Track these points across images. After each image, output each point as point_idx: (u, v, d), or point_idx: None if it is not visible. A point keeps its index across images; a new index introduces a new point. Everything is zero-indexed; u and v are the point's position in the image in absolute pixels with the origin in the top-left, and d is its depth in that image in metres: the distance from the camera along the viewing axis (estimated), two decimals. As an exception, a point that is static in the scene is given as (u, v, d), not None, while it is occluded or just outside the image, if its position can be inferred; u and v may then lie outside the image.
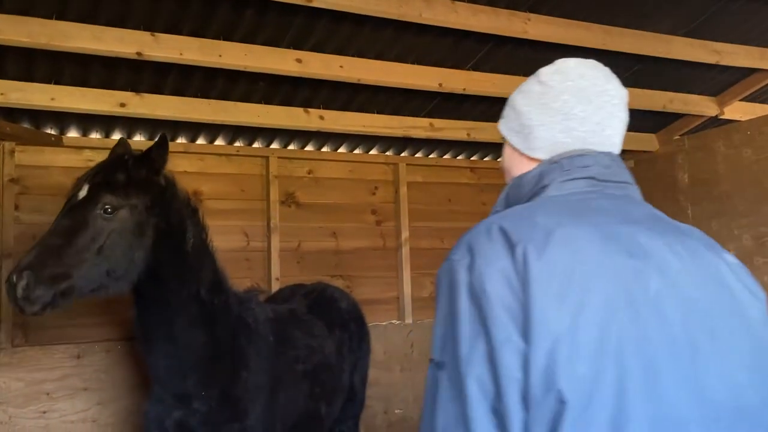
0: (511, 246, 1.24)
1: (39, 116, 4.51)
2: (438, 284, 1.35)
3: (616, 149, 1.54)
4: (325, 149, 5.61)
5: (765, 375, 1.28)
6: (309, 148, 5.55)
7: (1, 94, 3.93)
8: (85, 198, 2.79)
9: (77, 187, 2.87)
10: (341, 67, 4.20)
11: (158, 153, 2.96)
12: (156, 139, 3.01)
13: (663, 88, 5.18)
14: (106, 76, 4.15)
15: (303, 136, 5.30)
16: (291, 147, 5.48)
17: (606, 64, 5.06)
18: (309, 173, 5.52)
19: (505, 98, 5.31)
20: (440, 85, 4.49)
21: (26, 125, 4.58)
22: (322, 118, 4.81)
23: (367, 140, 5.54)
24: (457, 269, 1.29)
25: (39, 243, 2.65)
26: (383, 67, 4.32)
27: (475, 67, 4.59)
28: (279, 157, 5.36)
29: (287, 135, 5.26)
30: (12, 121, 4.43)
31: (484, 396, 1.19)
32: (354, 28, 3.99)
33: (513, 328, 1.19)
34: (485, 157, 6.20)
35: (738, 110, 5.61)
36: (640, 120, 5.72)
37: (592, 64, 1.58)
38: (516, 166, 1.58)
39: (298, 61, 4.09)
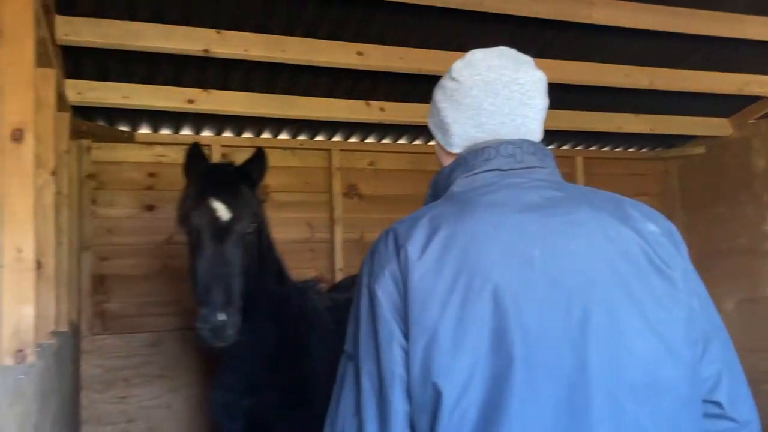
0: (397, 248, 1.33)
1: (113, 114, 4.70)
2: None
3: (534, 136, 1.53)
4: (386, 141, 5.64)
5: (656, 350, 1.27)
6: (370, 140, 5.59)
7: (78, 93, 4.11)
8: (230, 220, 2.83)
9: (202, 204, 2.84)
10: (401, 58, 4.20)
11: (262, 167, 3.09)
12: (255, 153, 3.10)
13: (738, 69, 4.96)
14: (174, 74, 4.29)
15: (364, 128, 5.34)
16: (353, 139, 5.53)
17: (674, 47, 4.89)
18: (370, 165, 5.56)
19: (566, 85, 5.20)
20: (502, 73, 4.43)
21: (101, 123, 4.78)
22: (382, 110, 4.83)
23: (427, 131, 5.50)
24: (362, 272, 1.40)
25: (211, 274, 2.69)
26: (444, 57, 4.30)
27: (540, 54, 4.50)
28: (341, 150, 5.43)
29: (349, 127, 5.31)
30: (88, 119, 4.64)
31: (373, 390, 1.29)
32: (414, 19, 3.99)
33: (397, 327, 1.29)
34: (550, 144, 6.10)
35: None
36: (711, 104, 5.51)
37: (499, 52, 1.55)
38: (442, 160, 1.61)
39: (359, 53, 4.11)
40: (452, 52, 4.32)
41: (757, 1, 4.23)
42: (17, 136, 2.19)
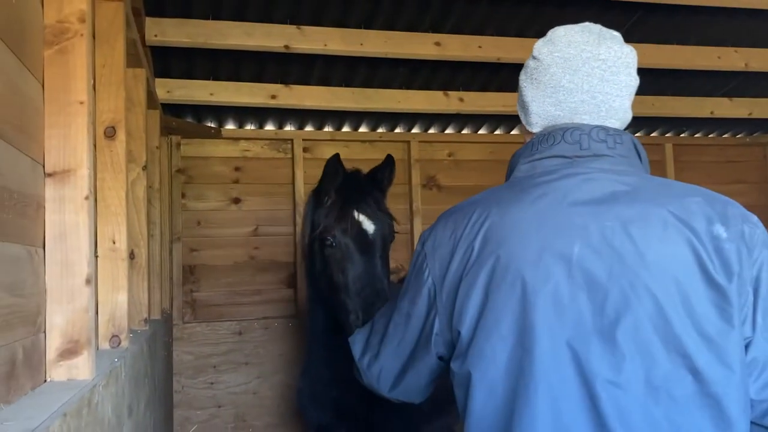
0: (453, 230, 1.43)
1: (200, 111, 4.89)
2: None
3: (617, 115, 1.46)
4: (465, 131, 5.60)
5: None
6: (449, 131, 5.56)
7: (167, 91, 4.29)
8: (381, 233, 2.85)
9: (348, 217, 2.83)
10: (480, 47, 4.15)
11: (392, 173, 3.10)
12: (387, 159, 3.15)
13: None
14: (257, 70, 4.42)
15: (443, 119, 5.32)
16: (431, 131, 5.52)
17: (761, 26, 4.53)
18: (449, 156, 5.54)
19: (656, 69, 4.99)
20: (585, 58, 4.31)
21: (189, 119, 4.98)
22: (461, 100, 4.80)
23: (507, 120, 5.46)
24: (420, 244, 1.54)
25: (374, 293, 2.68)
26: (523, 44, 4.22)
27: (626, 38, 4.34)
28: (420, 141, 5.43)
29: (428, 119, 5.30)
30: (176, 116, 4.84)
31: (400, 323, 1.61)
32: (491, 6, 3.94)
33: (432, 304, 1.48)
34: (637, 132, 5.88)
35: None
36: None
37: (581, 28, 1.49)
38: (526, 139, 1.59)
39: (437, 44, 4.10)
40: (531, 39, 4.22)
41: None
42: (110, 133, 2.32)
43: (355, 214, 2.82)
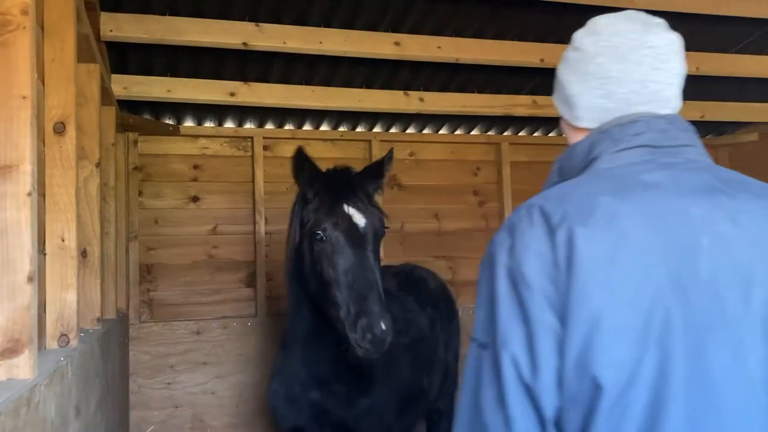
0: (550, 229, 1.21)
1: (158, 107, 4.83)
2: (481, 266, 1.33)
3: (670, 104, 1.40)
4: (426, 131, 5.63)
5: None
6: (410, 130, 5.59)
7: (124, 88, 4.23)
8: (372, 227, 2.85)
9: (339, 211, 2.83)
10: (439, 47, 4.19)
11: (386, 169, 3.08)
12: (387, 154, 3.13)
13: (793, 53, 4.79)
14: (216, 67, 4.38)
15: (405, 118, 5.35)
16: (393, 130, 5.55)
17: (720, 32, 4.74)
18: (411, 155, 5.57)
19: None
20: (542, 60, 4.37)
21: (147, 116, 4.91)
22: (422, 99, 4.83)
23: (468, 120, 5.51)
24: (497, 251, 1.27)
25: (367, 285, 2.69)
26: (482, 45, 4.27)
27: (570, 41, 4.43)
28: (381, 141, 5.44)
29: (389, 118, 5.32)
30: (134, 113, 4.77)
31: (519, 378, 1.17)
32: (450, 7, 3.97)
33: (550, 311, 1.17)
34: (593, 134, 5.99)
35: None
36: (765, 90, 5.32)
37: (626, 15, 1.44)
38: (569, 136, 1.52)
39: (396, 44, 4.12)
40: (489, 41, 4.30)
41: (811, -19, 4.06)
42: (59, 129, 2.28)
43: (346, 208, 2.82)
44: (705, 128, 6.00)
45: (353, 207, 2.81)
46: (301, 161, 2.93)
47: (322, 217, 2.80)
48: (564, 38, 4.65)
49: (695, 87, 5.16)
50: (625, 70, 1.38)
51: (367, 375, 3.08)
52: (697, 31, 4.41)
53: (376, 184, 3.04)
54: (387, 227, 2.94)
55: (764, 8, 4.08)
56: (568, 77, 1.47)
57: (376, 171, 3.07)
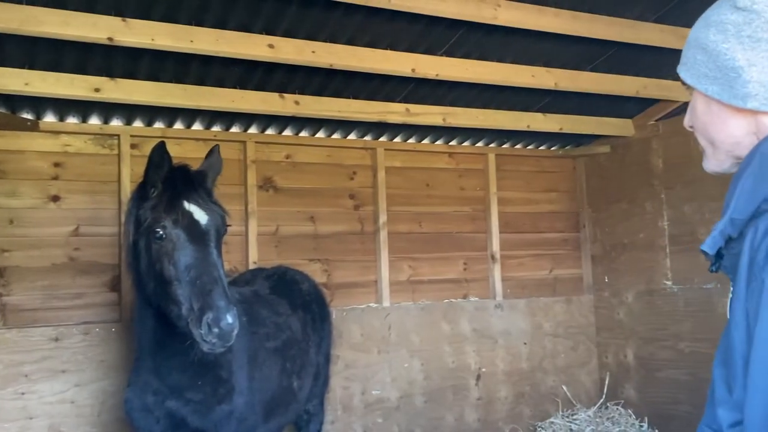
0: None
1: (14, 101, 4.53)
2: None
3: None
4: (303, 134, 5.65)
5: None
6: (287, 132, 5.58)
7: (-26, 79, 3.95)
8: (215, 223, 2.84)
9: (179, 208, 2.81)
10: (313, 52, 4.23)
11: (220, 165, 3.12)
12: (212, 150, 3.07)
13: (636, 73, 5.24)
14: (79, 61, 4.18)
15: (281, 121, 5.34)
16: (269, 132, 5.52)
17: (577, 51, 5.13)
18: (287, 158, 5.56)
19: (480, 84, 5.40)
20: (413, 70, 4.52)
21: (2, 110, 4.60)
22: (297, 103, 4.85)
23: (344, 125, 5.58)
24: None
25: (212, 280, 2.64)
26: (355, 52, 4.36)
27: (448, 53, 4.63)
28: (256, 142, 5.40)
29: (265, 120, 5.29)
30: (-13, 106, 4.46)
31: None
32: (324, 13, 4.03)
33: None
34: (464, 141, 6.25)
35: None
36: (615, 106, 5.78)
37: None
38: (718, 120, 1.29)
39: (270, 46, 4.12)
40: (362, 48, 4.39)
41: (652, 9, 4.47)
42: None
43: (186, 204, 2.78)
44: (563, 140, 6.42)
45: (194, 204, 2.80)
46: (162, 156, 2.88)
47: (161, 214, 2.76)
48: (433, 50, 4.88)
49: (554, 101, 5.54)
50: None
51: (226, 381, 3.06)
52: (557, 50, 4.73)
53: (213, 181, 3.06)
54: (229, 225, 2.96)
55: (612, 31, 4.44)
56: (728, 45, 1.23)
57: (215, 168, 3.07)
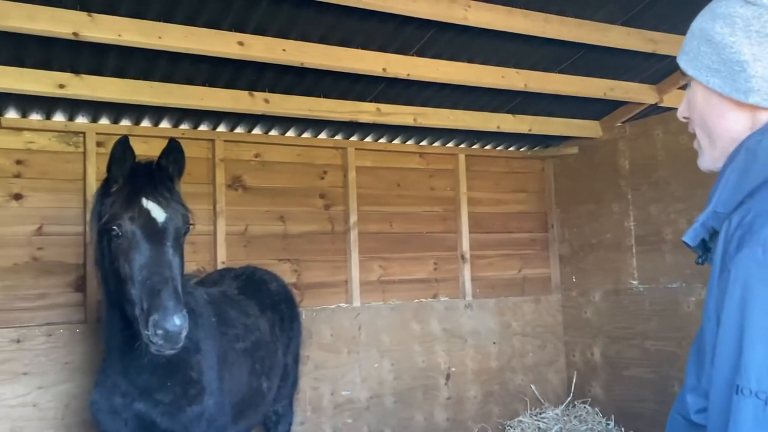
0: None
1: (-25, 97, 4.41)
2: (752, 280, 1.07)
3: None
4: (272, 133, 5.60)
5: None
6: (256, 131, 5.53)
7: (-67, 73, 3.83)
8: (172, 221, 2.76)
9: (136, 205, 2.75)
10: (284, 50, 4.20)
11: (182, 161, 3.01)
12: (170, 144, 2.99)
13: (604, 75, 5.31)
14: (43, 57, 4.09)
15: (250, 119, 5.29)
16: (238, 130, 5.46)
17: (546, 52, 5.18)
18: (256, 157, 5.51)
19: (450, 84, 5.42)
20: (384, 69, 4.52)
21: (-39, 105, 4.48)
22: (267, 101, 4.81)
23: (315, 124, 5.55)
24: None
25: (162, 280, 2.58)
26: (326, 50, 4.34)
27: (419, 53, 4.64)
28: (225, 141, 5.34)
29: (234, 118, 5.24)
30: (-54, 101, 4.34)
31: None
32: (295, 11, 4.00)
33: None
34: (434, 142, 6.27)
35: (676, 98, 5.76)
36: (584, 107, 5.86)
37: None
38: (716, 113, 1.29)
39: (240, 43, 4.08)
40: (334, 47, 4.37)
41: (620, 12, 4.54)
42: None
43: (144, 201, 2.72)
44: (533, 141, 6.48)
45: (153, 201, 2.75)
46: (124, 151, 2.83)
47: (118, 211, 2.71)
48: (404, 50, 4.87)
49: (524, 102, 5.58)
50: None
51: (196, 381, 3.02)
52: (527, 51, 4.77)
53: (179, 176, 3.01)
54: (192, 224, 2.90)
55: (580, 33, 4.49)
56: (735, 38, 1.22)
57: (179, 163, 3.02)
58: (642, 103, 5.71)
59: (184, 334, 2.54)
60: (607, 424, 5.92)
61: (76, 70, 4.23)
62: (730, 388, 1.06)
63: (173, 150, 2.98)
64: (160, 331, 2.48)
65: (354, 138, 5.92)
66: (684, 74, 1.37)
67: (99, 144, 4.88)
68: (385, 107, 5.23)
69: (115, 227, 2.70)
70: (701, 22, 1.31)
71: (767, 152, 1.17)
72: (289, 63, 4.30)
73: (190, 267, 4.64)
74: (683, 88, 5.72)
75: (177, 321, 2.48)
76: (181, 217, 2.83)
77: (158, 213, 2.75)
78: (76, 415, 4.49)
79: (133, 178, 2.83)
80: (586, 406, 6.18)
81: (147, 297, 2.56)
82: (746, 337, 1.04)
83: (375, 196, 5.96)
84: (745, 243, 1.09)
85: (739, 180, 1.20)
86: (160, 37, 3.86)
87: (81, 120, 4.90)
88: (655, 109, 5.89)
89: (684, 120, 1.43)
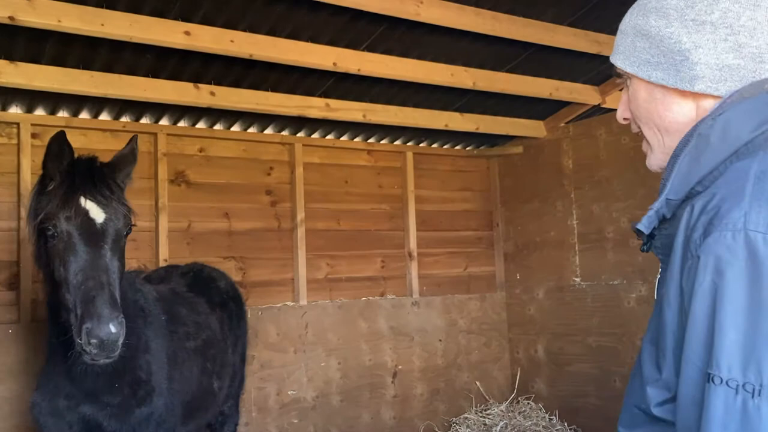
0: None
1: None
2: (722, 266, 1.06)
3: None
4: (217, 127, 5.47)
5: None
6: (201, 125, 5.39)
7: None
8: (110, 223, 2.61)
9: (73, 204, 2.58)
10: (232, 41, 4.10)
11: (133, 159, 2.89)
12: (130, 143, 2.87)
13: (549, 76, 5.40)
14: (-26, 41, 3.87)
15: (194, 112, 5.15)
16: (181, 124, 5.31)
17: (495, 51, 5.23)
18: (200, 151, 5.37)
19: (400, 81, 5.40)
20: (335, 64, 4.47)
21: None
22: (213, 94, 4.68)
23: (262, 119, 5.45)
24: (761, 246, 1.01)
25: (97, 285, 2.44)
26: (276, 43, 4.26)
27: (370, 48, 4.61)
28: (168, 134, 5.17)
29: (177, 111, 5.08)
30: None
31: None
32: (244, 1, 3.91)
33: None
34: (382, 139, 6.25)
35: (618, 100, 5.90)
36: (529, 107, 5.94)
37: None
38: (661, 107, 1.28)
39: (187, 33, 3.96)
40: (283, 39, 4.30)
41: (567, 13, 4.62)
42: None
43: (82, 200, 2.58)
44: (479, 139, 6.54)
45: (92, 200, 2.62)
46: (61, 147, 2.68)
47: (54, 210, 2.57)
48: (355, 44, 4.83)
49: (472, 101, 5.63)
50: (758, 18, 1.17)
51: (145, 382, 2.91)
52: (476, 49, 4.80)
53: (125, 175, 2.89)
54: (133, 224, 2.79)
55: (529, 32, 4.55)
56: (672, 28, 1.23)
57: (125, 160, 2.91)
58: (585, 104, 5.83)
59: (120, 341, 2.41)
60: (551, 420, 6.03)
61: (10, 57, 4.03)
62: (701, 377, 1.05)
63: (129, 146, 2.88)
64: (94, 340, 2.35)
65: (302, 134, 5.84)
66: (619, 75, 1.37)
67: (34, 136, 4.66)
68: (334, 103, 5.18)
69: (50, 227, 2.55)
70: (632, 18, 1.32)
71: (719, 137, 1.17)
72: (237, 55, 4.20)
73: (131, 264, 4.48)
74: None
75: (112, 329, 2.36)
76: (122, 218, 2.68)
77: (97, 213, 2.60)
78: (9, 419, 4.27)
79: (72, 174, 2.68)
80: (530, 402, 6.27)
81: (81, 303, 2.42)
82: (717, 324, 1.03)
83: (322, 193, 5.90)
84: (714, 228, 1.08)
85: (689, 167, 1.20)
86: (102, 24, 3.71)
87: (15, 110, 4.67)
88: (598, 110, 6.04)
89: (624, 122, 1.43)
